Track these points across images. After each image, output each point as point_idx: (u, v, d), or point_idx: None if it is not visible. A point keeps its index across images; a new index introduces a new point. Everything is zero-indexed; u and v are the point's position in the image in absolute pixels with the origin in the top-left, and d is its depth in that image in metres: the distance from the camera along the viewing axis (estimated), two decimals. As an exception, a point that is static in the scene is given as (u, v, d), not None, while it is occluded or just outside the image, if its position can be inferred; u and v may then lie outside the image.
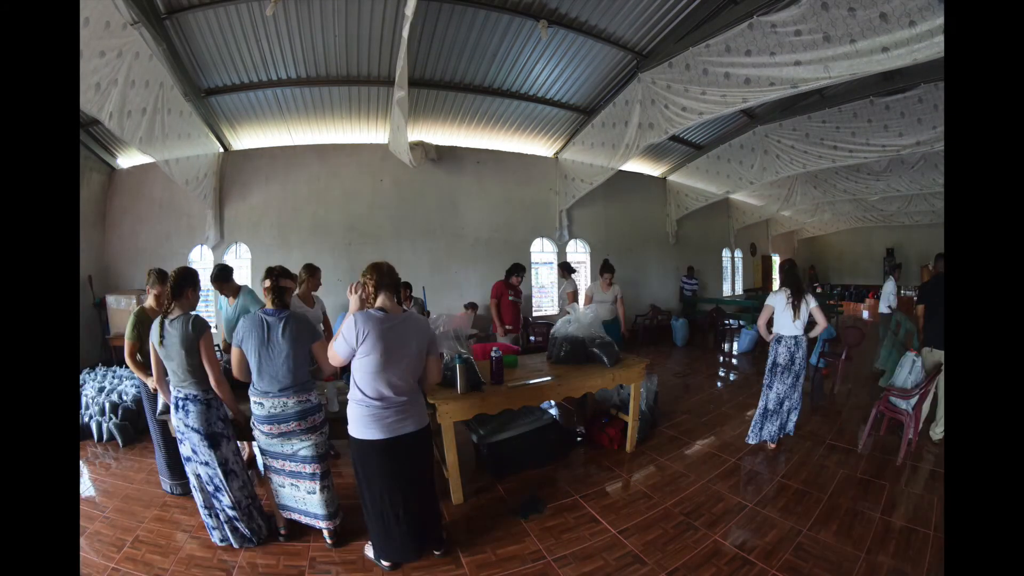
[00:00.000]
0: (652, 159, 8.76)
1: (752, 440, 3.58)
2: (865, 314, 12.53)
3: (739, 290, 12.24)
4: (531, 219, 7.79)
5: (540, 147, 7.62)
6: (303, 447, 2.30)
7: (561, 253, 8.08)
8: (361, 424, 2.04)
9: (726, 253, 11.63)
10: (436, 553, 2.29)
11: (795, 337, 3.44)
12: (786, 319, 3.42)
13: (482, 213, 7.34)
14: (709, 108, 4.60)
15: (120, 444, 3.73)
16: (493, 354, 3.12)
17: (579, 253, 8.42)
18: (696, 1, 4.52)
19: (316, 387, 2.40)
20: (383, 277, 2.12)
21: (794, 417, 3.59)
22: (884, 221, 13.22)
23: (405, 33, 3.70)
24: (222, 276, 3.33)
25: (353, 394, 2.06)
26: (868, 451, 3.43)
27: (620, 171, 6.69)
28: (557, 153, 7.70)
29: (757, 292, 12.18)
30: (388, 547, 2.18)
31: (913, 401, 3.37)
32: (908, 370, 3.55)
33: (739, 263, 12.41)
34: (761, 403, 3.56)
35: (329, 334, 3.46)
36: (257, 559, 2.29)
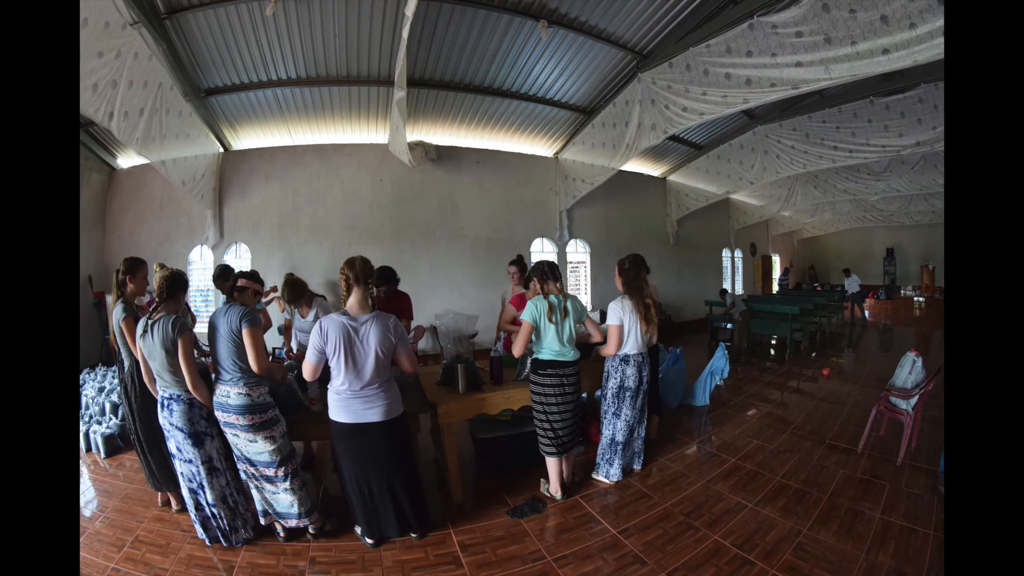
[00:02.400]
0: (652, 159, 8.76)
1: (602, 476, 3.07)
2: (866, 314, 12.53)
3: (739, 290, 12.23)
4: (531, 219, 7.78)
5: (540, 147, 7.61)
6: (264, 447, 2.31)
7: (561, 253, 8.08)
8: (332, 407, 2.26)
9: (726, 253, 11.63)
10: (413, 536, 2.41)
11: (641, 354, 2.97)
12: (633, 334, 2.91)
13: (482, 213, 7.34)
14: (710, 108, 4.60)
15: (120, 444, 3.72)
16: (493, 354, 3.12)
17: (579, 253, 8.43)
18: (696, 1, 4.52)
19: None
20: (356, 275, 2.23)
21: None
22: (884, 221, 13.23)
23: (405, 33, 3.70)
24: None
25: (331, 382, 2.26)
26: (868, 451, 3.43)
27: (620, 171, 6.69)
28: (557, 153, 7.70)
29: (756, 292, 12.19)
30: (363, 522, 2.36)
31: (913, 401, 3.37)
32: (908, 370, 3.55)
33: (739, 263, 12.41)
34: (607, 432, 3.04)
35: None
36: (257, 559, 2.29)
